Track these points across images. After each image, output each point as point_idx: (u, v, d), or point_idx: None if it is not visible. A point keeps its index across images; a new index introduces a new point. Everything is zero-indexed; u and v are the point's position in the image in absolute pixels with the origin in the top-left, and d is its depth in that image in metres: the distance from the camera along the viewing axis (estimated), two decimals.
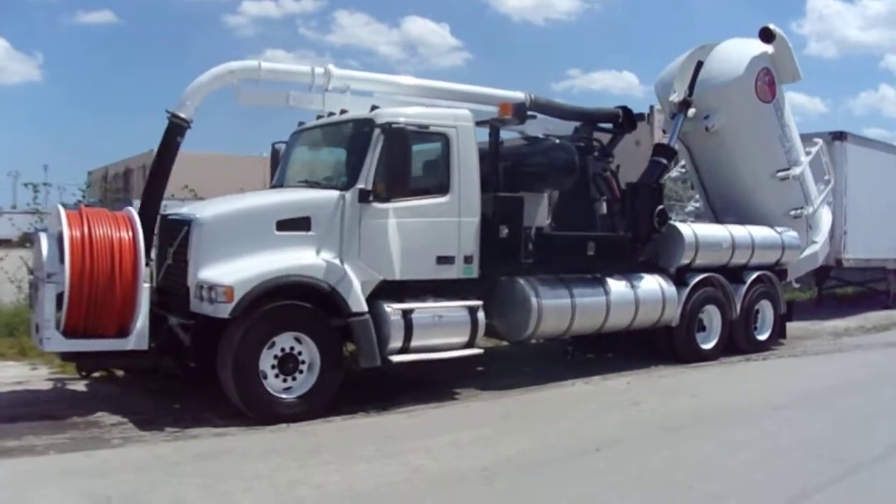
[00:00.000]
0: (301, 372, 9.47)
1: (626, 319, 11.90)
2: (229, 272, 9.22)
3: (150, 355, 9.51)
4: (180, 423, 9.02)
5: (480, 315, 10.66)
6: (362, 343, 9.76)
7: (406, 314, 10.12)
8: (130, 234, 9.35)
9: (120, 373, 10.74)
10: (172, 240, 9.51)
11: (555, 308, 11.17)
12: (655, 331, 12.37)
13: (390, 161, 9.93)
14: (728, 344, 13.22)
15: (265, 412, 9.22)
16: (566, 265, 11.54)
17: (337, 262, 9.75)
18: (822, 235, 14.57)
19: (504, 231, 11.00)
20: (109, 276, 9.10)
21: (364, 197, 9.90)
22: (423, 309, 10.24)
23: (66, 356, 9.54)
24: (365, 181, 9.96)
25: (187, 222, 9.56)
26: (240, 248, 9.48)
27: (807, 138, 15.63)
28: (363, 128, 10.31)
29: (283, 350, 9.35)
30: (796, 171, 14.08)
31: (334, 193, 9.95)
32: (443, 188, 10.42)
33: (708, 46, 13.60)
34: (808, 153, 14.93)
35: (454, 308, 10.49)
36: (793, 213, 13.87)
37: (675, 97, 13.28)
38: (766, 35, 13.48)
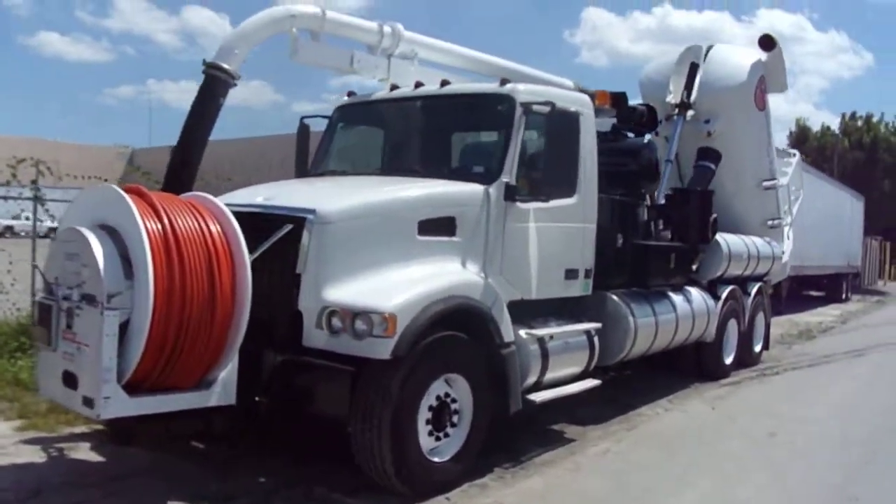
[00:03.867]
0: (454, 425, 6.32)
1: (683, 336, 9.63)
2: (372, 292, 5.85)
3: (237, 413, 6.07)
4: None
5: (597, 340, 8.31)
6: (511, 381, 6.94)
7: (542, 342, 7.40)
8: (226, 230, 5.60)
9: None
10: (256, 242, 5.86)
11: (645, 327, 8.63)
12: (684, 347, 10.68)
13: (546, 149, 7.20)
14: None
15: (421, 483, 6.00)
16: (652, 279, 9.12)
17: (482, 277, 6.76)
18: (788, 245, 13.84)
19: (619, 240, 8.58)
20: (207, 296, 5.35)
21: (510, 194, 6.88)
22: (556, 335, 7.57)
23: (121, 423, 5.75)
24: (510, 174, 6.95)
25: (293, 219, 5.99)
26: (374, 258, 6.12)
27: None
28: (497, 105, 7.20)
29: (437, 398, 6.15)
30: (783, 181, 13.12)
31: (479, 188, 6.84)
32: (570, 187, 7.56)
33: (696, 48, 12.11)
34: (788, 164, 14.18)
35: (576, 332, 7.85)
36: (770, 222, 12.70)
37: (672, 98, 11.70)
38: (767, 43, 12.31)
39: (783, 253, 12.96)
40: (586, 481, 6.69)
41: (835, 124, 47.92)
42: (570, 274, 7.71)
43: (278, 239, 5.94)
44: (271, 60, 7.09)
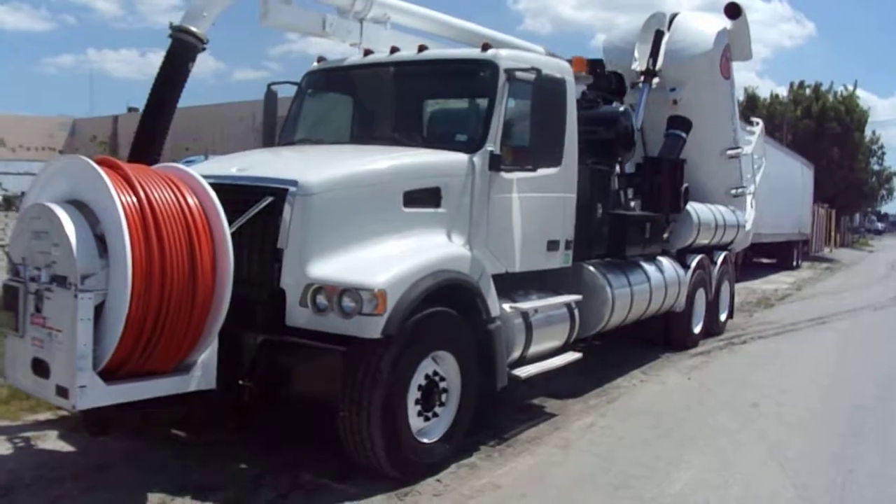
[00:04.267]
0: (443, 404, 6.06)
1: (657, 306, 9.47)
2: (359, 267, 5.52)
3: (217, 398, 5.69)
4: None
5: (577, 312, 8.09)
6: (498, 357, 6.64)
7: (525, 316, 7.13)
8: (205, 203, 5.20)
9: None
10: (233, 216, 5.34)
11: (622, 297, 8.43)
12: (653, 317, 10.28)
13: (533, 117, 6.79)
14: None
15: (411, 465, 5.74)
16: (629, 249, 8.86)
17: (469, 250, 6.50)
18: (751, 214, 13.76)
19: (599, 211, 8.32)
20: (188, 275, 4.93)
21: (495, 163, 6.55)
22: (540, 308, 7.33)
23: (95, 411, 5.26)
24: (494, 143, 6.63)
25: (273, 190, 5.59)
26: (359, 232, 5.77)
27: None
28: (480, 71, 6.83)
29: (426, 377, 5.87)
30: (747, 149, 13.01)
31: (463, 157, 6.50)
32: (555, 156, 7.25)
33: (660, 15, 11.84)
34: (751, 133, 14.07)
35: (557, 305, 7.65)
36: (733, 191, 12.55)
37: (637, 66, 11.46)
38: (732, 11, 12.08)
39: (747, 222, 12.94)
40: (578, 459, 6.50)
41: (776, 92, 48.20)
42: (552, 245, 7.47)
43: (257, 213, 5.57)
44: (211, 27, 6.60)
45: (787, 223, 25.62)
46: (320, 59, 7.80)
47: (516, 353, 6.88)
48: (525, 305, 6.95)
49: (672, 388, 8.83)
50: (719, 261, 11.69)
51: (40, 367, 4.97)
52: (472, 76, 6.98)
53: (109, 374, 4.90)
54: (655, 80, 11.15)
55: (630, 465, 6.36)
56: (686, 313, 10.51)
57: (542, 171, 7.03)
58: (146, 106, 6.44)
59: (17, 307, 5.05)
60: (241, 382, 5.48)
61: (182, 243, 4.95)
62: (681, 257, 10.42)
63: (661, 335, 10.57)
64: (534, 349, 7.12)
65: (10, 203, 8.95)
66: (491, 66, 6.79)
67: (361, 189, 5.87)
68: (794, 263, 26.02)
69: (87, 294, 4.71)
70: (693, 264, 10.58)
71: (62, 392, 4.82)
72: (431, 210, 6.25)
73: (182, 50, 6.46)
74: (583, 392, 8.38)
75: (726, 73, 11.84)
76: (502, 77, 6.73)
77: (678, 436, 7.19)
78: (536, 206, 7.15)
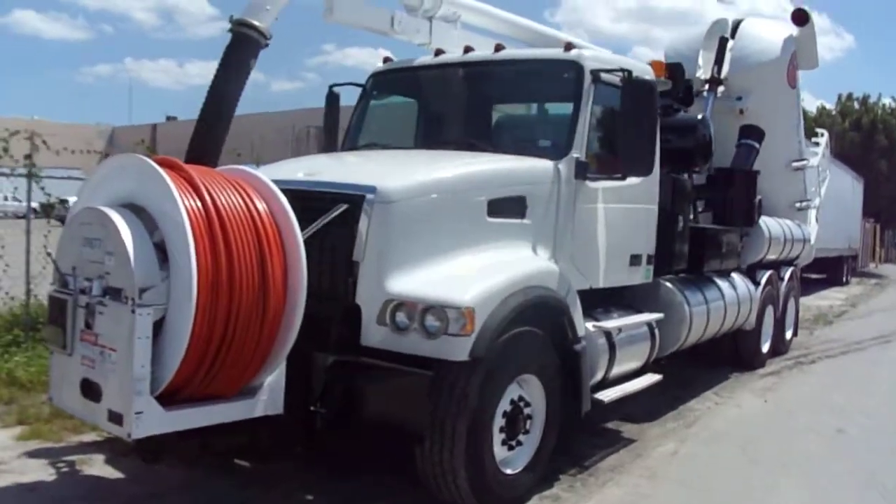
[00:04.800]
0: (527, 432, 5.37)
1: (730, 323, 8.70)
2: (444, 282, 4.84)
3: (284, 424, 5.00)
4: None
5: (657, 331, 7.35)
6: (583, 380, 5.88)
7: (609, 336, 6.39)
8: (275, 209, 4.52)
9: None
10: (303, 224, 4.58)
11: (699, 315, 7.70)
12: (722, 335, 9.61)
13: (622, 122, 6.00)
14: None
15: (495, 498, 5.04)
16: (707, 264, 8.13)
17: (555, 264, 5.86)
18: (815, 228, 12.98)
19: (680, 223, 7.55)
20: (258, 287, 4.27)
21: (581, 171, 5.89)
22: (623, 327, 6.62)
23: (152, 439, 4.51)
24: (580, 149, 5.96)
25: (348, 197, 4.93)
26: (441, 243, 5.11)
27: None
28: (564, 73, 6.15)
29: (511, 403, 5.17)
30: (813, 161, 12.31)
31: (549, 164, 5.82)
32: (645, 165, 6.55)
33: (723, 22, 11.18)
34: (815, 144, 13.31)
35: (639, 324, 6.92)
36: (797, 205, 11.88)
37: (702, 73, 10.77)
38: (800, 17, 11.38)
39: (811, 236, 12.12)
40: (667, 490, 5.77)
41: (813, 106, 46.57)
42: (635, 260, 6.75)
43: (328, 222, 4.90)
44: (275, 21, 5.88)
45: (839, 238, 24.47)
46: (386, 60, 7.12)
47: (598, 376, 6.17)
48: (609, 324, 6.24)
49: (750, 412, 8.05)
50: (786, 277, 10.87)
51: (91, 390, 4.32)
52: (555, 78, 6.32)
53: (168, 399, 4.25)
54: (721, 89, 10.40)
55: (724, 497, 5.66)
56: (755, 332, 9.70)
57: (628, 181, 6.30)
58: (204, 107, 5.80)
59: (64, 322, 4.41)
60: (312, 409, 4.77)
61: (251, 253, 4.29)
62: (750, 273, 9.64)
63: (729, 354, 9.76)
64: (615, 371, 6.41)
65: (49, 210, 8.52)
66: (575, 67, 6.12)
67: (444, 197, 5.19)
68: (844, 279, 24.92)
69: (145, 309, 4.06)
70: (763, 280, 9.78)
71: (116, 418, 4.17)
72: (516, 221, 5.56)
73: (243, 45, 5.81)
74: (658, 415, 7.62)
75: (793, 82, 11.07)
76: (587, 79, 6.06)
77: (767, 464, 6.44)
78: (620, 218, 6.45)
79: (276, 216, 4.52)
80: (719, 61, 10.46)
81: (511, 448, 5.25)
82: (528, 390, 5.33)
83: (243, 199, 4.44)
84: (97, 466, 5.42)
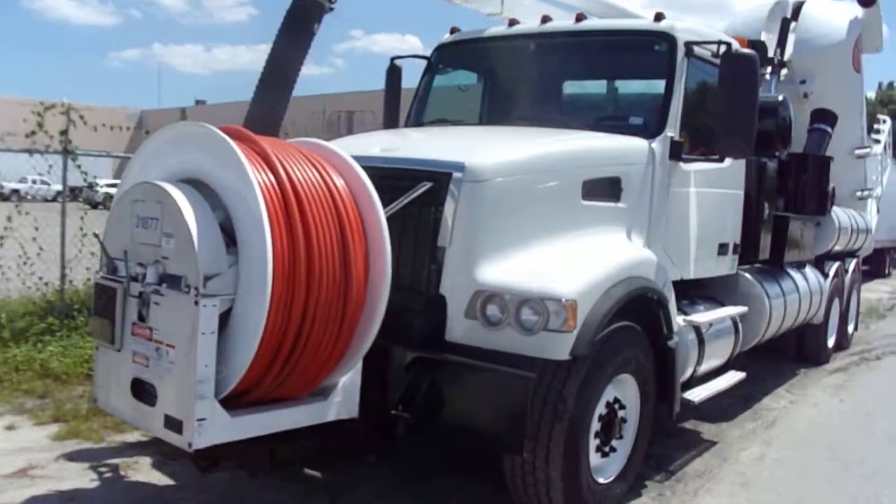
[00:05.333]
0: (620, 437, 4.73)
1: (802, 317, 7.94)
2: (541, 272, 4.16)
3: (364, 429, 4.34)
4: None
5: (741, 325, 6.65)
6: (675, 378, 5.23)
7: (698, 331, 5.72)
8: (353, 186, 3.85)
9: None
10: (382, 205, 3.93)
11: (778, 308, 6.97)
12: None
13: (721, 99, 5.20)
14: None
15: None
16: (788, 254, 7.37)
17: (652, 253, 5.13)
18: (875, 218, 12.19)
19: (766, 211, 6.84)
20: (339, 275, 3.62)
21: (676, 152, 5.21)
22: (713, 321, 5.95)
23: (211, 449, 3.76)
24: (674, 128, 5.28)
25: (432, 175, 4.25)
26: (535, 228, 4.42)
27: None
28: (655, 45, 5.44)
29: (607, 405, 4.54)
30: (877, 148, 11.56)
31: (643, 143, 5.12)
32: (741, 146, 5.44)
33: (784, 2, 10.49)
34: (877, 131, 12.53)
35: (724, 318, 6.27)
36: (858, 194, 11.18)
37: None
38: None
39: (872, 226, 11.34)
40: (766, 500, 5.13)
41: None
42: (722, 249, 6.06)
43: (409, 202, 4.22)
44: (277, 23, 5.13)
45: (884, 229, 23.26)
46: (454, 30, 6.39)
47: (687, 374, 5.49)
48: (699, 318, 5.55)
49: (828, 412, 7.34)
50: (851, 268, 10.10)
51: (143, 392, 3.69)
52: (645, 50, 5.60)
53: (233, 402, 3.60)
54: (783, 72, 9.63)
55: None
56: (823, 325, 8.96)
57: (718, 164, 5.59)
58: (263, 75, 5.15)
59: (113, 314, 3.76)
60: (394, 412, 4.09)
61: (332, 236, 3.63)
62: (818, 264, 8.91)
63: (794, 349, 9.03)
64: (703, 368, 5.73)
65: (77, 193, 7.85)
66: (668, 39, 5.41)
67: (539, 176, 4.52)
68: (886, 271, 23.97)
69: (211, 300, 3.41)
70: (832, 272, 9.05)
71: (174, 425, 3.53)
72: (611, 204, 4.88)
73: (307, 9, 5.13)
74: (733, 414, 6.93)
75: (857, 66, 10.28)
76: (681, 51, 5.36)
77: (863, 470, 5.78)
78: (710, 204, 5.77)
79: (357, 195, 3.85)
80: (782, 43, 9.66)
81: (605, 455, 4.61)
82: (623, 391, 4.68)
83: (321, 174, 3.78)
84: (143, 471, 4.79)
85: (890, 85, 42.30)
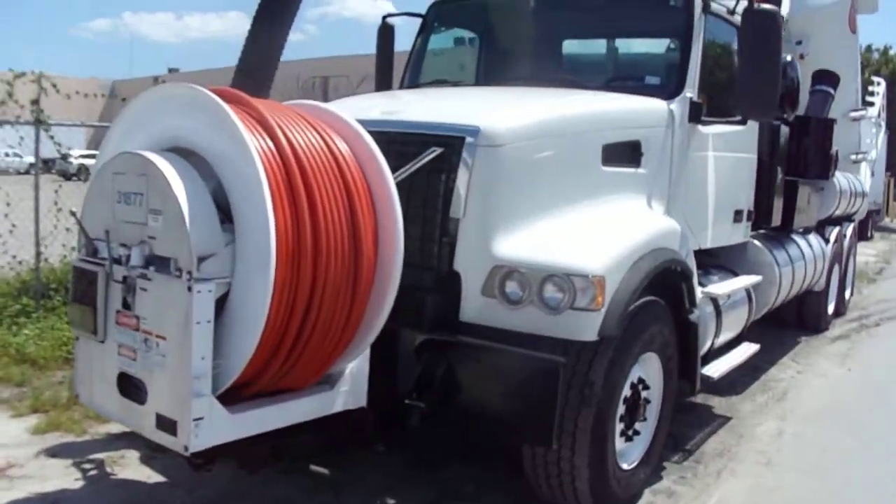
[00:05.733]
0: (644, 419, 4.34)
1: (807, 283, 7.63)
2: (563, 244, 3.77)
3: (373, 418, 3.92)
4: None
5: (754, 295, 6.32)
6: (695, 354, 4.84)
7: (715, 303, 5.37)
8: (358, 151, 3.39)
9: None
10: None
11: (787, 276, 6.65)
12: None
13: (744, 58, 4.80)
14: None
15: (614, 500, 4.06)
16: (797, 220, 7.02)
17: (674, 222, 4.74)
18: (868, 182, 11.86)
19: (778, 176, 6.43)
20: (349, 252, 3.18)
21: (695, 114, 4.80)
22: (730, 292, 5.61)
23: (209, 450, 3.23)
24: (693, 88, 4.84)
25: (443, 139, 3.80)
26: (554, 196, 3.99)
27: None
28: (670, 0, 5.03)
29: (631, 386, 4.14)
30: (872, 111, 11.18)
31: (662, 104, 4.69)
32: (766, 107, 4.97)
33: None
34: (871, 94, 12.17)
35: (740, 288, 5.95)
36: (853, 157, 10.82)
37: None
38: None
39: (868, 190, 11.03)
40: (793, 481, 4.83)
41: None
42: (737, 216, 5.68)
43: (417, 170, 3.78)
44: None
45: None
46: None
47: (705, 347, 5.13)
48: (716, 290, 5.18)
49: (837, 383, 7.06)
50: (848, 233, 9.79)
51: (131, 388, 3.24)
52: (660, 5, 5.14)
53: (232, 396, 3.17)
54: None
55: (858, 491, 4.72)
56: (823, 292, 8.66)
57: (733, 127, 5.19)
58: (255, 20, 4.57)
59: (94, 300, 3.30)
60: (407, 401, 3.68)
61: (339, 208, 3.19)
62: (818, 229, 8.58)
63: (794, 316, 8.72)
64: (719, 341, 5.39)
65: (49, 165, 7.24)
66: None
67: (558, 140, 4.08)
68: (868, 234, 23.82)
69: (206, 284, 2.96)
70: (832, 237, 8.72)
71: (167, 425, 3.09)
72: (631, 170, 4.47)
73: None
74: (742, 387, 6.60)
75: (853, 27, 9.88)
76: (698, 6, 4.93)
77: (883, 445, 5.48)
78: (727, 169, 5.38)
79: (364, 163, 3.41)
80: (777, 2, 9.28)
81: (628, 439, 4.25)
82: (647, 371, 4.30)
83: (324, 140, 3.32)
84: (131, 467, 4.34)
85: (868, 48, 41.84)
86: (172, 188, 2.97)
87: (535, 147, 3.92)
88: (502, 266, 3.71)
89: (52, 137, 6.75)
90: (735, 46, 5.26)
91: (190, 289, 2.93)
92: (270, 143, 3.11)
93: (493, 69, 5.75)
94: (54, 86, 6.65)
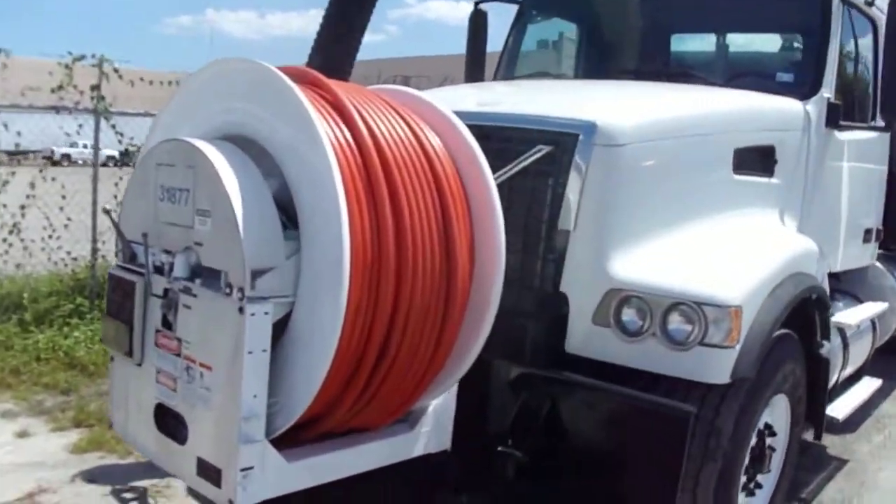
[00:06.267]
0: (769, 470, 3.59)
1: None
2: (691, 266, 2.99)
3: (461, 466, 3.17)
4: None
5: (878, 324, 5.48)
6: (824, 394, 4.05)
7: (843, 334, 4.54)
8: (454, 147, 2.69)
9: None
10: None
11: None
12: None
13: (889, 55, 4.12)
14: None
15: None
16: None
17: (810, 241, 3.96)
18: None
19: None
20: (439, 265, 2.46)
21: (834, 116, 3.99)
22: (859, 322, 4.75)
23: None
24: (830, 88, 4.04)
25: (552, 136, 3.05)
26: (677, 207, 3.23)
27: None
28: None
29: (758, 434, 3.38)
30: None
31: (797, 104, 3.91)
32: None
33: None
34: None
35: (866, 317, 5.12)
36: None
37: None
38: None
39: None
40: None
41: None
42: (867, 236, 4.83)
43: (518, 171, 3.06)
44: None
45: None
46: None
47: (830, 384, 4.30)
48: (846, 319, 4.35)
49: None
50: None
51: (170, 422, 2.59)
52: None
53: (291, 438, 2.51)
54: None
55: None
56: None
57: (870, 134, 4.38)
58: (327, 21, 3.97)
59: (131, 316, 2.66)
60: (501, 449, 2.98)
61: (430, 213, 2.50)
62: None
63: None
64: (843, 376, 4.55)
65: (127, 159, 6.66)
66: None
67: (685, 141, 3.33)
68: None
69: (261, 305, 2.30)
70: None
71: (209, 473, 2.43)
72: (763, 179, 3.68)
73: None
74: (855, 423, 5.66)
75: None
76: (835, 2, 4.11)
77: None
78: (860, 181, 4.57)
79: (459, 159, 2.71)
80: None
81: (749, 493, 3.46)
82: (775, 415, 3.52)
83: (413, 132, 2.62)
84: (177, 499, 3.71)
85: None
86: (223, 184, 2.31)
87: (661, 148, 3.17)
88: (619, 289, 2.97)
89: (113, 126, 6.21)
90: (870, 42, 4.47)
91: (242, 310, 2.27)
92: (347, 133, 2.42)
93: (595, 62, 4.96)
94: (116, 70, 6.12)
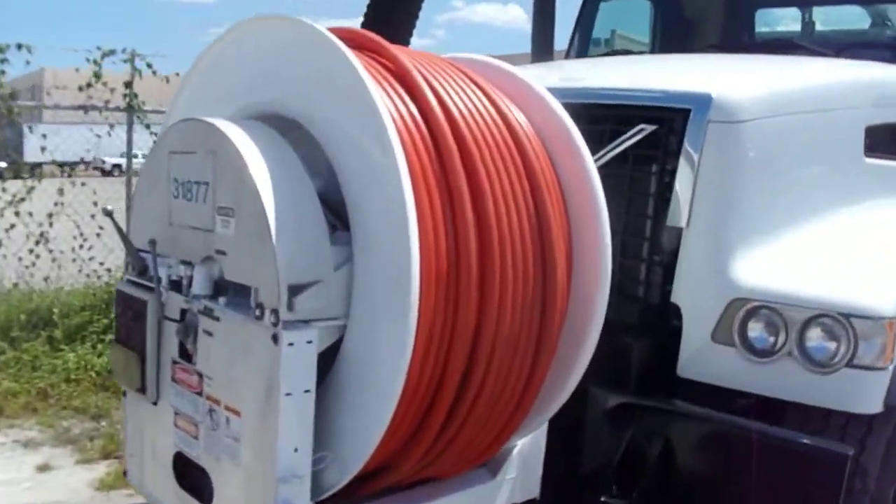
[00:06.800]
0: None
1: None
2: (832, 271, 2.30)
3: None
4: None
5: None
6: None
7: None
8: (547, 128, 2.07)
9: None
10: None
11: None
12: None
13: None
14: None
15: None
16: None
17: None
18: None
19: None
20: (531, 277, 1.83)
21: None
22: None
23: None
24: None
25: (659, 111, 2.40)
26: (805, 197, 2.52)
27: None
28: None
29: None
30: None
31: None
32: None
33: None
34: None
35: None
36: None
37: None
38: None
39: None
40: None
41: None
42: None
43: (618, 154, 2.42)
44: None
45: None
46: None
47: None
48: None
49: None
50: None
51: (192, 475, 1.99)
52: None
53: (344, 494, 1.89)
54: None
55: None
56: None
57: None
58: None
59: (142, 342, 2.06)
60: (605, 500, 2.34)
61: (519, 207, 1.86)
62: None
63: None
64: None
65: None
66: None
67: (813, 117, 2.64)
68: None
69: (302, 332, 1.67)
70: None
71: None
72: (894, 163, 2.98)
73: None
74: None
75: None
76: None
77: None
78: None
79: (552, 141, 2.07)
80: None
81: None
82: None
83: (495, 106, 1.99)
84: None
85: None
86: (250, 174, 1.70)
87: (786, 126, 2.49)
88: (745, 299, 2.30)
89: (147, 126, 5.67)
90: None
91: (276, 338, 1.66)
92: (413, 108, 1.80)
93: (675, 37, 4.24)
94: (149, 65, 5.57)
